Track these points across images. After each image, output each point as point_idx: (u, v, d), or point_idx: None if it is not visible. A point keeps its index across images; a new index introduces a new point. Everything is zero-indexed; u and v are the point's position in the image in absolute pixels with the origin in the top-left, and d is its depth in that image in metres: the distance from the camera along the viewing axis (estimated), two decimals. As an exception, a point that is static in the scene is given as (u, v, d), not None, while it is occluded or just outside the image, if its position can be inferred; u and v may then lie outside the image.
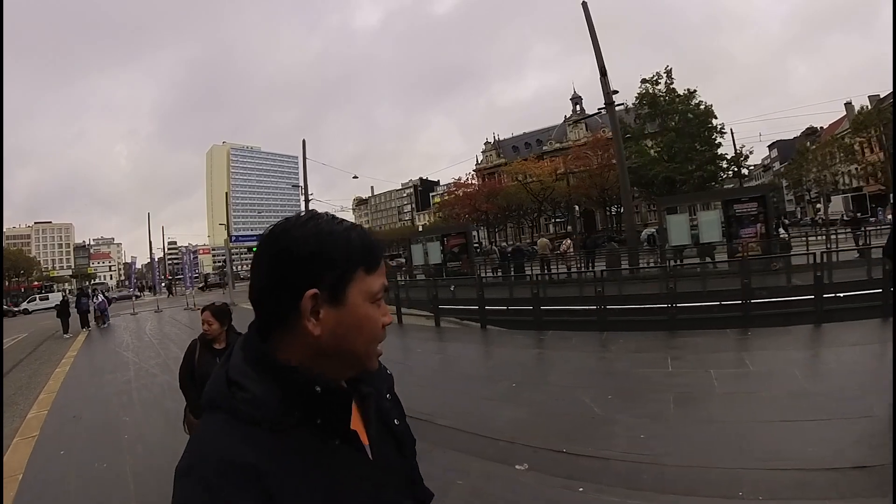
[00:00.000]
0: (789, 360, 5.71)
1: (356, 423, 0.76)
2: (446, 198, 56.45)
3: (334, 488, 0.67)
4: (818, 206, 50.21)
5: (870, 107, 44.51)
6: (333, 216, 0.75)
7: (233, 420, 0.66)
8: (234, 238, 29.91)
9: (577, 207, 42.47)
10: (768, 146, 72.46)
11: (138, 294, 39.43)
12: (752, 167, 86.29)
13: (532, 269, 17.03)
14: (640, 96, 37.35)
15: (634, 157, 36.98)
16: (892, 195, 31.12)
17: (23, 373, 10.46)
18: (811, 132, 61.00)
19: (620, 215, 49.95)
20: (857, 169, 49.04)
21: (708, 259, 14.77)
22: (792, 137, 62.96)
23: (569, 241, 18.93)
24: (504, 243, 40.27)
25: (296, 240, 0.69)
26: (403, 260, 29.88)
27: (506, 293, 13.91)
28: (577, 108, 62.03)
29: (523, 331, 9.52)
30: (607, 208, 48.77)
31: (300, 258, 0.69)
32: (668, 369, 5.88)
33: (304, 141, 27.23)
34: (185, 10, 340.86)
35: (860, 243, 17.18)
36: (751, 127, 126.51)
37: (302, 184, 26.02)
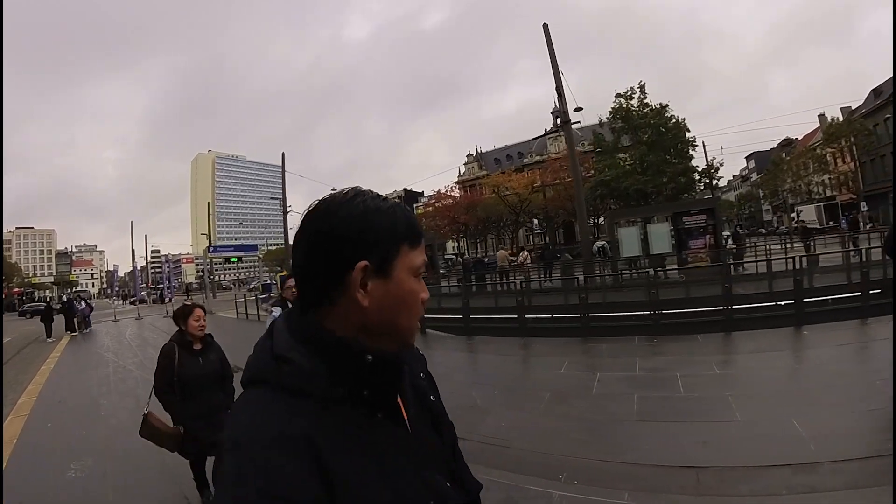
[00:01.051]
0: (670, 363, 6.30)
1: (396, 399, 0.78)
2: (427, 209, 57.49)
3: (382, 461, 0.69)
4: (792, 215, 51.94)
5: (842, 118, 46.51)
6: (377, 194, 0.78)
7: (281, 393, 0.67)
8: (212, 249, 30.92)
9: (552, 219, 43.89)
10: (746, 157, 74.69)
11: (131, 301, 39.83)
12: (731, 178, 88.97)
13: (492, 279, 18.18)
14: (614, 111, 38.81)
15: (608, 170, 38.95)
16: (892, 194, 32.24)
17: (11, 370, 11.56)
18: (787, 143, 62.96)
19: (601, 226, 51.60)
20: (829, 179, 51.05)
21: (657, 269, 14.90)
22: (769, 149, 65.00)
23: (525, 254, 20.31)
24: (467, 255, 41.24)
25: (344, 217, 0.72)
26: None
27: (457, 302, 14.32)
28: (559, 121, 63.74)
29: (456, 336, 10.25)
30: (593, 219, 50.17)
31: (349, 233, 0.71)
32: (561, 370, 6.69)
33: (283, 154, 28.57)
34: (177, 19, 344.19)
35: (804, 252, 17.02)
36: (731, 138, 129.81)
37: (281, 196, 27.11)
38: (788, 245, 20.72)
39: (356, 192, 0.77)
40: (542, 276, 18.71)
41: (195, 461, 3.46)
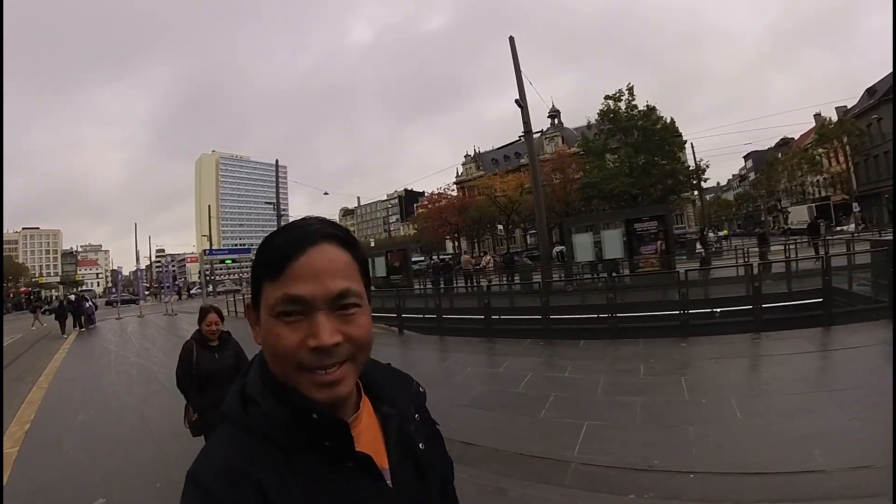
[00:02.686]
0: (593, 357, 7.19)
1: (378, 446, 0.76)
2: (421, 211, 59.18)
3: None
4: (788, 215, 52.84)
5: (836, 118, 47.14)
6: (291, 223, 0.73)
7: (243, 434, 0.67)
8: (208, 252, 32.98)
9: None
10: (743, 157, 75.67)
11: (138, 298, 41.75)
12: (731, 177, 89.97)
13: (456, 282, 19.64)
14: (602, 113, 39.57)
15: (596, 171, 39.81)
16: (892, 196, 32.81)
17: (28, 359, 13.67)
18: (784, 143, 63.81)
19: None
20: (822, 179, 52.01)
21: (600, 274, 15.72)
22: (766, 148, 65.95)
23: (488, 257, 21.90)
24: (437, 259, 41.94)
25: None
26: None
27: (421, 303, 15.60)
28: (556, 121, 65.21)
29: (431, 336, 11.08)
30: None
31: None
32: (499, 370, 7.59)
33: (276, 160, 30.62)
34: (182, 23, 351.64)
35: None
36: (730, 138, 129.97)
37: (275, 200, 29.06)
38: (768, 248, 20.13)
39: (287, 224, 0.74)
40: (506, 279, 19.74)
41: None
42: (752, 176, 75.67)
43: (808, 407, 4.31)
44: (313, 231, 0.69)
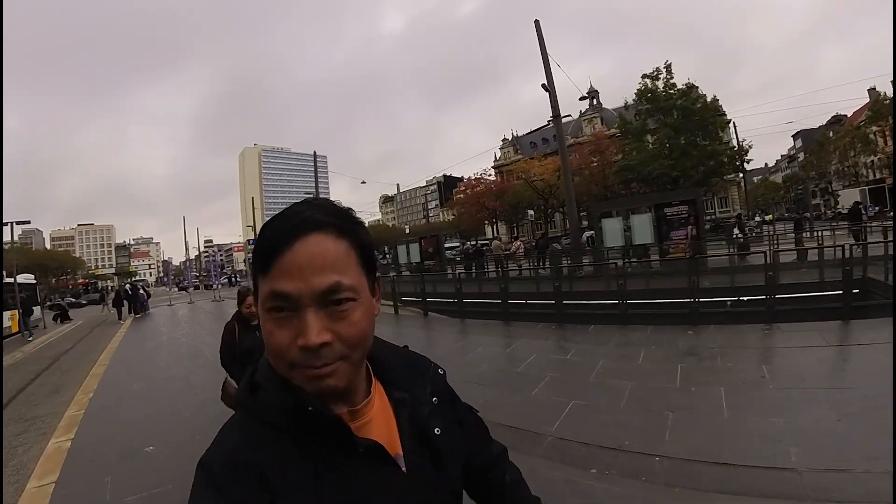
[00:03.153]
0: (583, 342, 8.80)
1: (391, 431, 0.75)
2: (458, 196, 59.04)
3: (347, 499, 0.65)
4: (838, 199, 50.22)
5: (890, 93, 44.17)
6: (299, 206, 0.68)
7: (252, 421, 0.67)
8: (251, 242, 34.49)
9: (581, 205, 44.55)
10: (792, 136, 72.44)
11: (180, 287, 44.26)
12: (779, 157, 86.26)
13: (486, 267, 19.85)
14: (640, 92, 38.12)
15: (635, 153, 38.74)
16: (893, 191, 31.04)
17: (90, 342, 15.01)
18: (836, 120, 60.24)
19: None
20: (877, 160, 49.06)
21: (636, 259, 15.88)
22: (817, 126, 62.80)
23: (518, 243, 21.97)
24: (469, 245, 41.32)
25: None
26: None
27: (449, 287, 15.00)
28: (595, 102, 64.06)
29: (454, 318, 11.43)
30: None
31: None
32: (507, 350, 8.88)
33: (314, 152, 31.62)
34: (219, 24, 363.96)
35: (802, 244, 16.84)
36: (777, 117, 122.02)
37: (314, 192, 30.10)
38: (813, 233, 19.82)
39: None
40: (537, 264, 19.65)
41: None
42: (801, 156, 72.34)
43: (798, 404, 4.20)
44: (302, 220, 0.65)
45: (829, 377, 4.94)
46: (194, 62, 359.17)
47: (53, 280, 75.94)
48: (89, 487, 3.95)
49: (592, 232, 19.88)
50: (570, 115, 20.17)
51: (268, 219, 0.68)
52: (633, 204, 18.87)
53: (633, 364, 5.96)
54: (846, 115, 58.34)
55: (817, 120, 63.37)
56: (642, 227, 16.91)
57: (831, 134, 55.87)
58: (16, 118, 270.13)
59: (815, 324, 6.78)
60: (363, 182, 53.16)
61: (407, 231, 31.83)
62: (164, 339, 13.29)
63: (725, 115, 45.35)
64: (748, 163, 41.30)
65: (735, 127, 42.43)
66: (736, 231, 20.94)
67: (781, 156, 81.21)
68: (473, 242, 35.67)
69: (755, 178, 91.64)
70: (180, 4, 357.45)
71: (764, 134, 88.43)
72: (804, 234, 19.81)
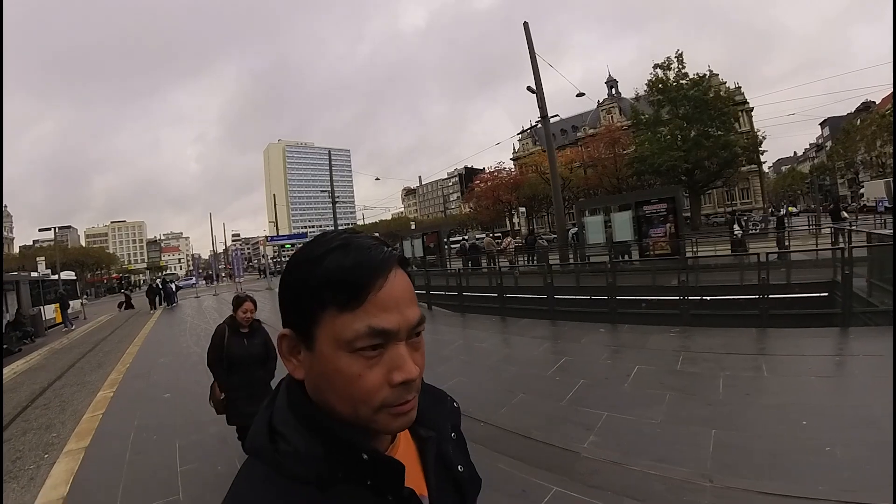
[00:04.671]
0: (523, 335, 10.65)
1: (415, 472, 0.71)
2: (475, 189, 59.59)
3: None
4: (861, 191, 49.12)
5: None
6: (336, 239, 0.64)
7: (274, 474, 0.61)
8: (269, 238, 36.64)
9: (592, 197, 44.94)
10: (820, 123, 71.15)
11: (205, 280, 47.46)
12: (808, 146, 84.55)
13: (484, 263, 20.70)
14: (651, 83, 37.98)
15: (647, 144, 38.45)
16: (893, 191, 30.50)
17: (126, 329, 17.45)
18: (865, 107, 59.01)
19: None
20: (903, 150, 48.08)
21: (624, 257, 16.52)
22: (846, 113, 61.60)
23: (509, 239, 23.12)
24: (465, 238, 40.46)
25: (285, 271, 0.66)
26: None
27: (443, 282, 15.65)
28: (614, 91, 64.17)
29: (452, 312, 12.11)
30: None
31: (280, 292, 0.66)
32: (483, 345, 10.93)
33: (329, 151, 33.46)
34: (244, 25, 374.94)
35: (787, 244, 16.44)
36: (809, 103, 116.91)
37: (330, 189, 31.99)
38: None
39: (315, 239, 0.67)
40: (526, 260, 20.53)
41: (240, 428, 3.94)
42: (829, 145, 71.15)
43: (741, 417, 3.99)
44: (390, 254, 0.64)
45: (785, 391, 4.50)
46: (222, 63, 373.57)
47: (89, 275, 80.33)
48: (124, 418, 5.89)
49: (576, 229, 20.29)
50: (557, 115, 20.76)
51: (314, 246, 0.64)
52: (616, 201, 19.34)
53: (594, 360, 6.21)
54: (874, 102, 57.30)
55: (852, 105, 61.47)
56: (623, 225, 17.26)
57: (858, 121, 54.79)
58: (52, 123, 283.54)
59: (804, 330, 6.46)
60: (377, 179, 55.68)
61: (412, 227, 33.13)
62: (188, 325, 15.39)
63: (745, 103, 44.81)
64: (763, 153, 40.97)
65: (749, 116, 41.92)
66: (736, 227, 20.90)
67: (810, 144, 79.55)
68: (466, 238, 36.14)
69: (783, 168, 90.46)
70: (208, 8, 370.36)
71: (792, 121, 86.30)
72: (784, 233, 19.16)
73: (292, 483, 0.60)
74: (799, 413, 3.88)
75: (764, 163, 47.58)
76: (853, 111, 60.85)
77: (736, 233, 19.35)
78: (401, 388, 0.61)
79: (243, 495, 0.61)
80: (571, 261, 18.35)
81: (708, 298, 8.92)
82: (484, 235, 35.53)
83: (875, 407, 3.70)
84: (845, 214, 18.07)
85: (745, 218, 28.31)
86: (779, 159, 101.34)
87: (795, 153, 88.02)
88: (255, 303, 3.97)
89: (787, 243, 16.75)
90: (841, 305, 6.84)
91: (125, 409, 6.25)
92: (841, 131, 55.99)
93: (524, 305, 11.24)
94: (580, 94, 24.87)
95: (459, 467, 0.77)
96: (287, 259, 0.60)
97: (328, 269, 0.60)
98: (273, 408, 0.66)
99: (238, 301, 3.90)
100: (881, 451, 2.94)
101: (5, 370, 11.27)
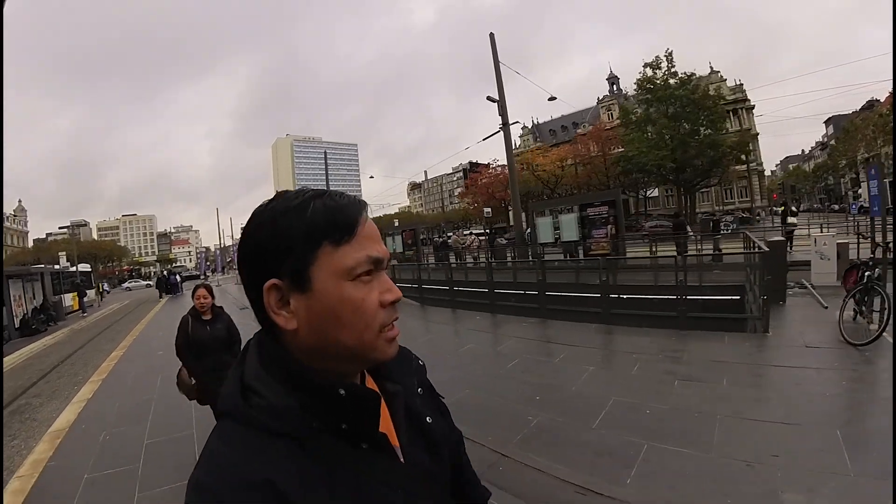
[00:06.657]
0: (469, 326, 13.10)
1: (385, 424, 0.74)
2: (472, 185, 59.99)
3: (362, 498, 0.65)
4: (860, 191, 49.84)
5: None
6: (300, 191, 0.69)
7: (249, 431, 0.63)
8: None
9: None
10: (824, 122, 71.42)
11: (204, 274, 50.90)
12: (813, 145, 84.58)
13: (448, 259, 21.72)
14: (640, 82, 39.02)
15: (635, 143, 39.45)
16: (893, 190, 31.09)
17: (137, 312, 20.86)
18: (869, 105, 59.27)
19: (647, 199, 53.97)
20: (901, 149, 48.63)
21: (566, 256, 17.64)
22: (850, 111, 61.90)
23: (472, 237, 25.25)
24: (437, 238, 41.56)
25: (255, 228, 0.67)
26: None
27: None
28: (615, 88, 65.38)
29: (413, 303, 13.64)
30: (636, 194, 52.20)
31: (258, 247, 0.67)
32: (432, 335, 13.47)
33: (325, 152, 35.98)
34: (254, 21, 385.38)
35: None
36: (820, 99, 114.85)
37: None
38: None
39: (277, 195, 0.71)
40: (488, 257, 21.43)
41: (214, 407, 6.13)
42: (833, 144, 71.47)
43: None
44: (360, 200, 0.71)
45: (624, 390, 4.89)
46: (232, 59, 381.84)
47: (101, 267, 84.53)
48: (126, 373, 8.65)
49: (530, 229, 21.71)
50: (518, 122, 22.73)
51: (288, 201, 0.67)
52: (564, 203, 20.52)
53: (504, 348, 7.35)
54: (879, 100, 57.82)
55: (857, 103, 61.72)
56: (569, 226, 18.28)
57: (859, 120, 55.49)
58: (66, 120, 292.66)
59: (716, 334, 6.74)
60: (371, 177, 57.60)
61: (396, 224, 35.00)
62: (186, 309, 18.17)
63: (745, 101, 45.63)
64: (751, 152, 41.58)
65: (750, 114, 42.63)
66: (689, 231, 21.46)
67: (815, 143, 79.73)
68: (440, 237, 38.05)
69: (790, 166, 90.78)
70: (220, 6, 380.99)
71: (798, 119, 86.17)
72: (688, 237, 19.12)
73: (268, 437, 0.62)
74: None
75: (753, 161, 47.79)
76: (858, 109, 61.13)
77: (691, 235, 19.54)
78: (391, 308, 0.69)
79: (219, 455, 0.62)
80: (530, 259, 19.44)
81: (625, 297, 9.26)
82: (451, 234, 37.90)
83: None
84: (792, 220, 19.66)
85: (716, 218, 29.89)
86: (787, 157, 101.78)
87: (804, 151, 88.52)
88: (210, 290, 4.34)
89: (720, 247, 16.67)
90: (749, 309, 7.39)
91: (130, 360, 9.19)
92: (842, 130, 56.55)
93: (469, 299, 12.29)
94: (552, 98, 26.19)
95: (428, 419, 0.84)
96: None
97: (319, 212, 0.66)
98: (244, 366, 0.69)
99: (194, 290, 4.28)
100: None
101: (37, 345, 14.32)
